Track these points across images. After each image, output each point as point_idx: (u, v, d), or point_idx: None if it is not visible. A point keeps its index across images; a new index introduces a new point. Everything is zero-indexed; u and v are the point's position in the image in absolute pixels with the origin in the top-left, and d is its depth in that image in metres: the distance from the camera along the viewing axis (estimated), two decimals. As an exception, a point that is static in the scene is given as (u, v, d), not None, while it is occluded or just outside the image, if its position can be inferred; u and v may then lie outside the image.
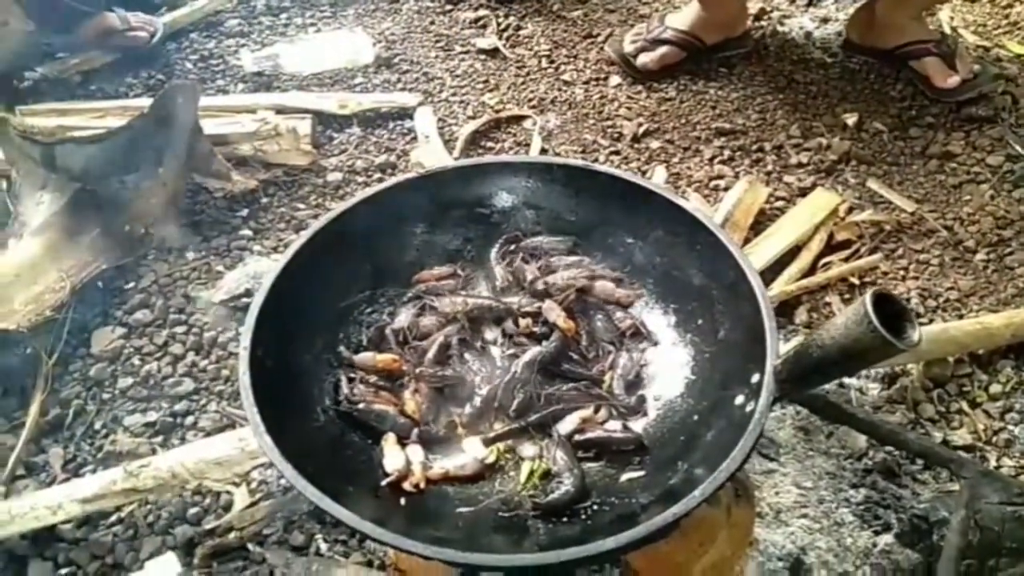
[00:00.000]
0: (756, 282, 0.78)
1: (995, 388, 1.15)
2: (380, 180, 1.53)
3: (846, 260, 1.34)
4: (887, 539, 0.92)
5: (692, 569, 0.82)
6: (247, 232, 1.41)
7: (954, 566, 0.77)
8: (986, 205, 1.48)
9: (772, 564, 0.91)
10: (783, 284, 1.25)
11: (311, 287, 0.85)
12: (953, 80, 1.62)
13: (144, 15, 1.90)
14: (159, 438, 1.10)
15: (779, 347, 0.74)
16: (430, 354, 0.84)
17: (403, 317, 0.88)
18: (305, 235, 0.86)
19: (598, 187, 0.93)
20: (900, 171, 1.57)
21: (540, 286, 0.91)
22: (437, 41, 1.97)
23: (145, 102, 1.68)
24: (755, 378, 0.72)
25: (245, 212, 1.45)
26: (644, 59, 1.74)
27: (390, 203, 0.92)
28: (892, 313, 0.62)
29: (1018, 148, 1.58)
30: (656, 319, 0.90)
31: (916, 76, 1.70)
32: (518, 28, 2.00)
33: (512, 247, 0.95)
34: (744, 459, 0.66)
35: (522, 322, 0.87)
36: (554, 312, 0.86)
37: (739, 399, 0.74)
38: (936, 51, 1.65)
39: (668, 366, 0.86)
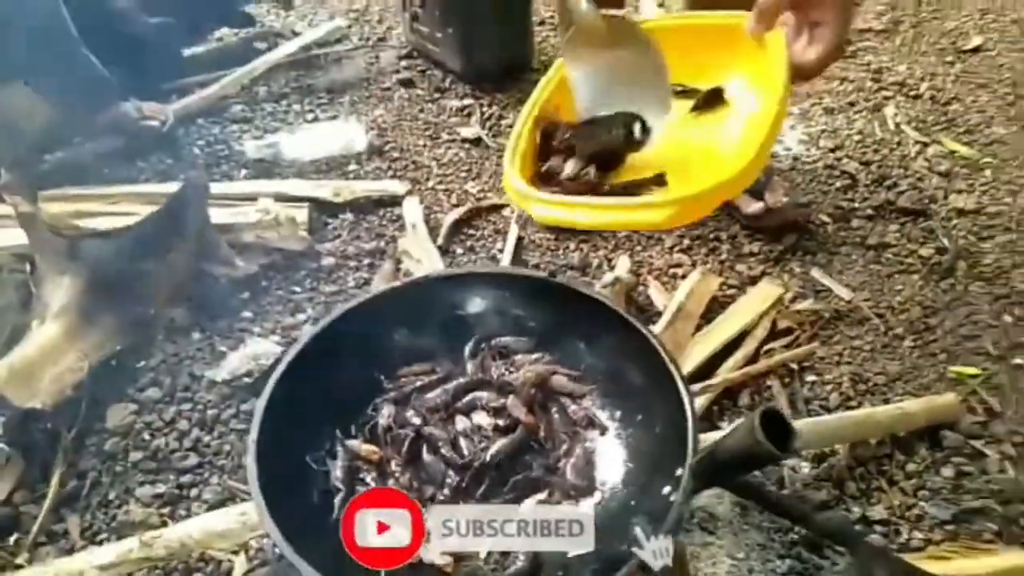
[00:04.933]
0: (683, 387, 0.92)
1: (911, 467, 1.30)
2: (370, 265, 1.69)
3: (787, 347, 1.50)
4: (805, 606, 1.06)
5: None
6: (248, 314, 1.56)
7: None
8: (916, 295, 1.64)
9: (706, 628, 1.05)
10: (728, 371, 1.40)
11: (308, 386, 0.99)
12: (755, 207, 1.72)
13: (156, 104, 2.08)
14: (167, 508, 1.23)
15: (699, 446, 0.88)
16: (406, 445, 0.98)
17: (386, 411, 1.02)
18: (302, 340, 1.00)
19: (553, 295, 1.08)
20: (840, 260, 1.73)
21: (505, 381, 1.05)
22: (425, 129, 2.15)
23: (155, 187, 1.85)
24: (678, 472, 0.87)
25: (246, 295, 1.60)
26: None
27: (377, 308, 1.07)
28: (780, 426, 0.77)
29: (945, 241, 1.75)
30: (604, 413, 1.05)
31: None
32: (500, 117, 2.19)
33: (482, 346, 1.10)
34: (664, 543, 0.80)
35: (488, 419, 1.01)
36: (517, 408, 1.01)
37: (666, 489, 0.88)
38: None
39: (612, 455, 1.00)
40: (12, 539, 1.18)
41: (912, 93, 2.27)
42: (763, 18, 0.85)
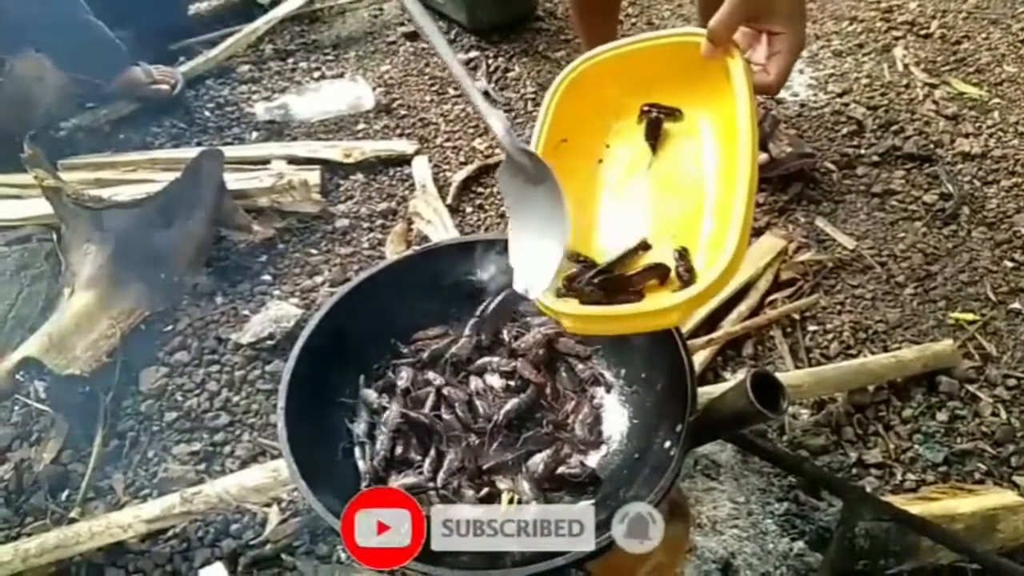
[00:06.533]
0: (683, 350, 0.98)
1: (907, 412, 1.36)
2: (383, 226, 1.73)
3: (790, 297, 1.54)
4: (800, 544, 1.13)
5: (638, 572, 1.03)
6: (267, 277, 1.62)
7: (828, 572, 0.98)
8: (918, 242, 1.67)
9: (707, 566, 1.13)
10: (731, 323, 1.45)
11: (330, 351, 1.05)
12: (759, 158, 1.74)
13: (166, 68, 2.10)
14: (202, 465, 1.32)
15: (698, 403, 0.94)
16: (427, 405, 1.05)
17: (404, 373, 1.08)
18: (323, 309, 1.06)
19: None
20: (845, 208, 1.76)
21: (516, 343, 1.11)
22: (432, 84, 2.16)
23: (171, 153, 1.89)
24: (678, 427, 0.93)
25: (264, 258, 1.66)
26: None
27: (391, 277, 1.12)
28: (770, 387, 0.82)
29: (949, 186, 1.76)
30: (609, 372, 1.10)
31: None
32: (506, 70, 2.19)
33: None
34: (664, 495, 0.86)
35: (500, 379, 1.07)
36: (527, 369, 1.07)
37: (667, 443, 0.94)
38: None
39: (617, 411, 1.06)
40: (64, 495, 1.28)
41: (922, 32, 2.24)
42: (718, 42, 0.80)
